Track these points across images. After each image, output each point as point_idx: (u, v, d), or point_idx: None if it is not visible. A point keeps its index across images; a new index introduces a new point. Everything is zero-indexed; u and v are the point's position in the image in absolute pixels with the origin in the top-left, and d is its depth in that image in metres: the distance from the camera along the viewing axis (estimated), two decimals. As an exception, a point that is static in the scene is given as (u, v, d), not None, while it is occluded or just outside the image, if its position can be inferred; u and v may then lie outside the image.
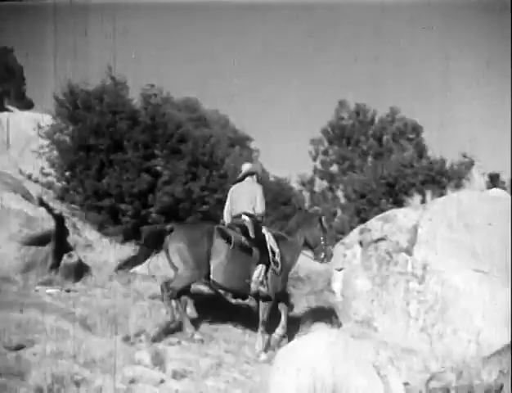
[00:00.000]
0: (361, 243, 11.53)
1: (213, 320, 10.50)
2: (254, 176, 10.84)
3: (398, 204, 20.62)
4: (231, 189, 10.86)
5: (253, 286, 9.92)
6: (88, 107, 16.62)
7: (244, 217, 10.30)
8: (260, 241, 10.12)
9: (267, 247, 10.11)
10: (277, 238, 10.41)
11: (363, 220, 17.01)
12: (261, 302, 10.17)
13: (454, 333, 11.14)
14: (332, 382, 5.80)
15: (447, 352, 10.38)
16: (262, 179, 11.14)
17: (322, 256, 10.89)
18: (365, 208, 23.29)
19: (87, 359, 7.37)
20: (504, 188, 21.31)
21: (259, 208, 10.41)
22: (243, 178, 10.79)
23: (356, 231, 11.97)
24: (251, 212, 10.39)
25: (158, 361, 7.76)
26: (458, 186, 19.21)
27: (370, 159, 31.68)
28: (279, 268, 10.14)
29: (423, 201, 14.22)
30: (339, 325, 11.23)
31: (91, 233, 15.46)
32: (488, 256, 11.56)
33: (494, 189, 15.32)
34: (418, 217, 12.37)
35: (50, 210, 12.18)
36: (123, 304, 9.78)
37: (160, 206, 16.24)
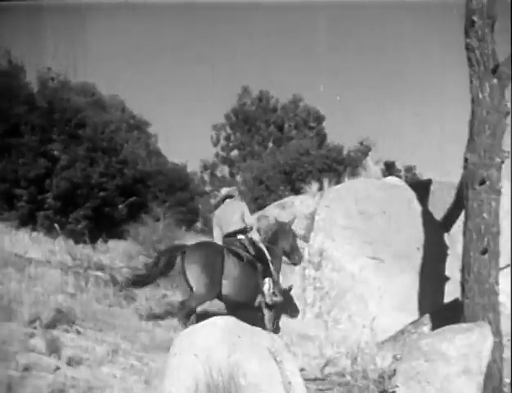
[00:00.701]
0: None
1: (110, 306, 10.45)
2: (233, 199, 10.90)
3: (296, 191, 20.77)
4: (215, 215, 10.93)
5: (269, 300, 10.16)
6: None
7: (239, 236, 10.44)
8: (261, 256, 10.36)
9: (267, 261, 10.35)
10: (269, 251, 10.61)
11: (261, 207, 17.12)
12: (266, 311, 10.38)
13: (349, 319, 11.41)
14: (228, 368, 5.85)
15: (343, 338, 10.61)
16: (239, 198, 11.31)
17: (297, 258, 11.07)
18: (262, 194, 23.45)
19: (-20, 347, 7.22)
20: (399, 176, 21.84)
21: (248, 220, 10.57)
22: (222, 202, 10.83)
23: (253, 217, 12.08)
24: (242, 228, 10.51)
25: (53, 348, 7.65)
26: (354, 174, 19.53)
27: (270, 145, 31.95)
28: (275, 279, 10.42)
29: (320, 189, 14.37)
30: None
31: (-15, 219, 15.14)
32: (383, 244, 11.86)
33: (389, 177, 15.67)
34: (315, 204, 12.58)
35: None
36: (17, 290, 9.58)
37: (58, 192, 16.02)
